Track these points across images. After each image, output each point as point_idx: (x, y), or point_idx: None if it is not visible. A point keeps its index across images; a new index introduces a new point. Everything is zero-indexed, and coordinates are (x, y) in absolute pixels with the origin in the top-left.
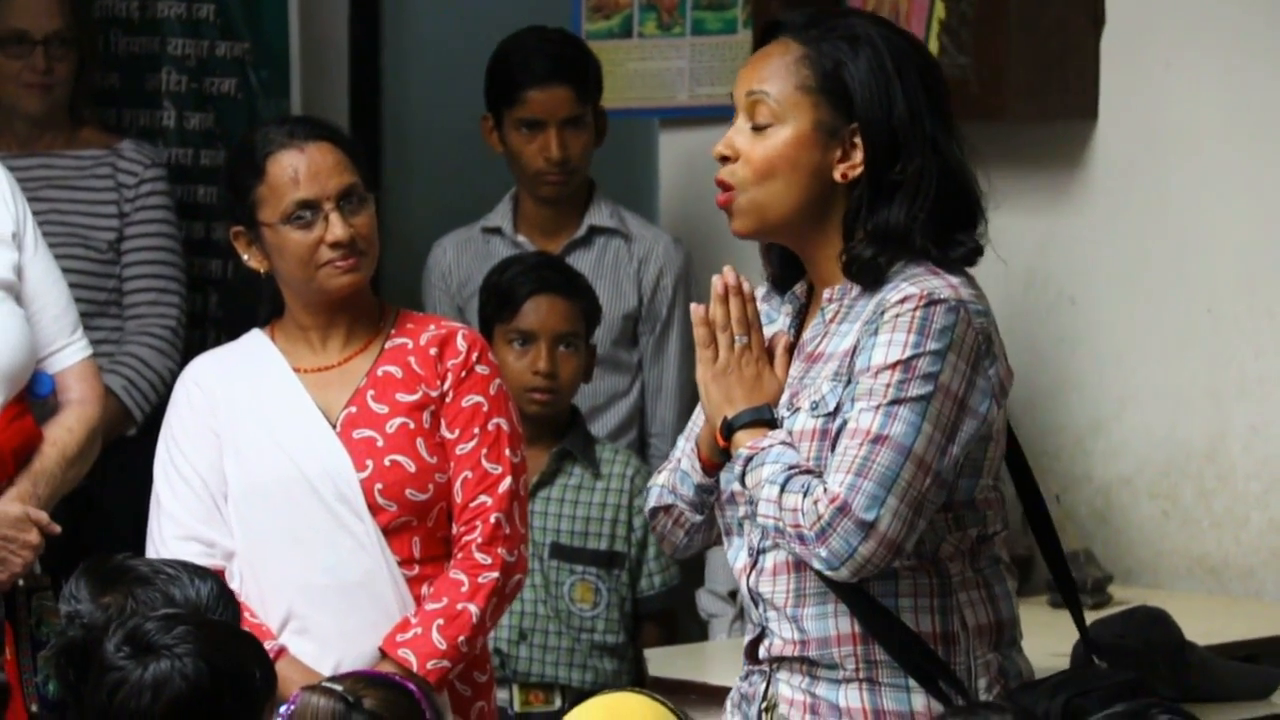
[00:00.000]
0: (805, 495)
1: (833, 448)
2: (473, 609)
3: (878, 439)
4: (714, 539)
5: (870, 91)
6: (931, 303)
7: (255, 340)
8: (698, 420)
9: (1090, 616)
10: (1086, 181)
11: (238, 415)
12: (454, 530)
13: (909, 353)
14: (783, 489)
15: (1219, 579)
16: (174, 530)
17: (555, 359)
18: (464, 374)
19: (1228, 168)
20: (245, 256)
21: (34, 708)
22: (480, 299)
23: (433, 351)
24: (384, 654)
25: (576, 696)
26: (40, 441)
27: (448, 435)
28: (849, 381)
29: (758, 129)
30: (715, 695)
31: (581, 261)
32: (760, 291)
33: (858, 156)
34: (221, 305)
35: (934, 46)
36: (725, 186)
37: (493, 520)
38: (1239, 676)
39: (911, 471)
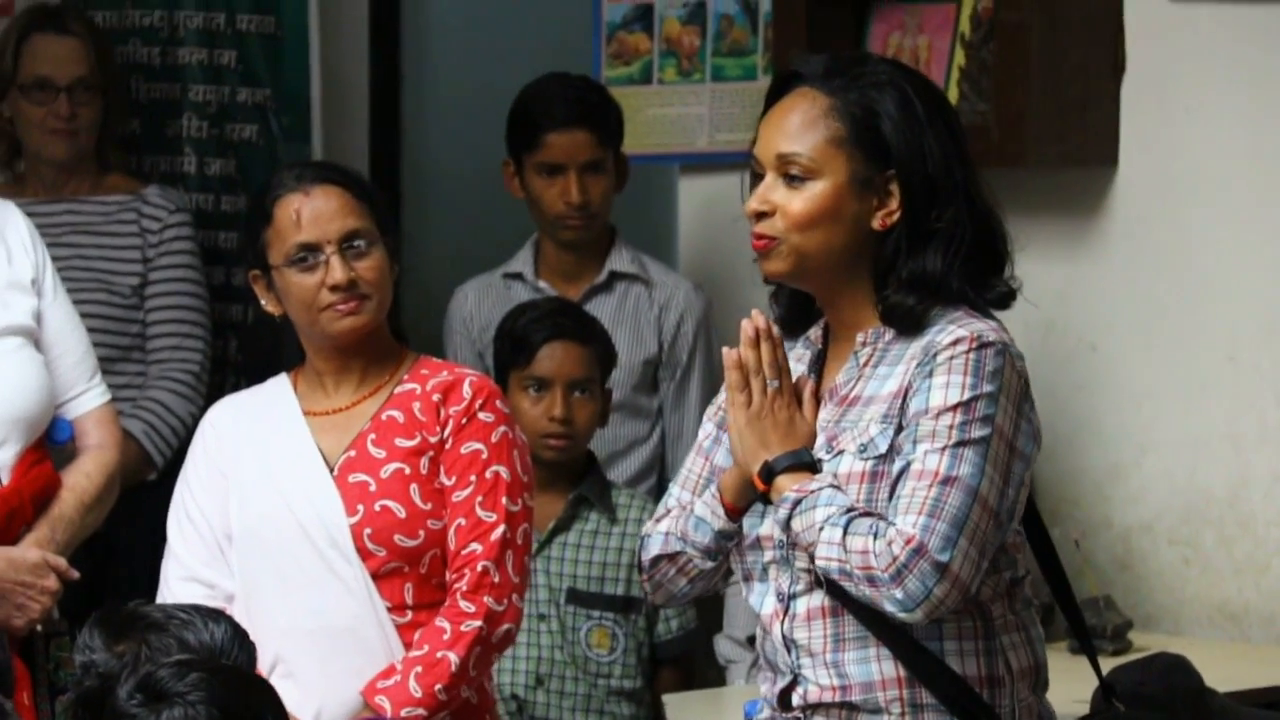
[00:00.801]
0: (875, 537)
1: (891, 490)
2: (453, 657)
3: (947, 480)
4: (710, 588)
5: (905, 139)
6: (983, 345)
7: (278, 384)
8: (693, 468)
9: (1111, 663)
10: (1107, 228)
11: (245, 457)
12: (448, 578)
13: (967, 395)
14: (845, 531)
15: (1240, 626)
16: (177, 571)
17: (570, 405)
18: (465, 420)
19: (1249, 214)
20: (263, 301)
21: None
22: (495, 345)
23: (436, 398)
24: (364, 700)
25: None
26: (59, 487)
27: (445, 482)
28: (899, 424)
29: (792, 182)
30: None
31: (602, 307)
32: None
33: (893, 204)
34: (241, 350)
35: (954, 93)
36: (763, 237)
37: (479, 568)
38: None
39: (978, 513)
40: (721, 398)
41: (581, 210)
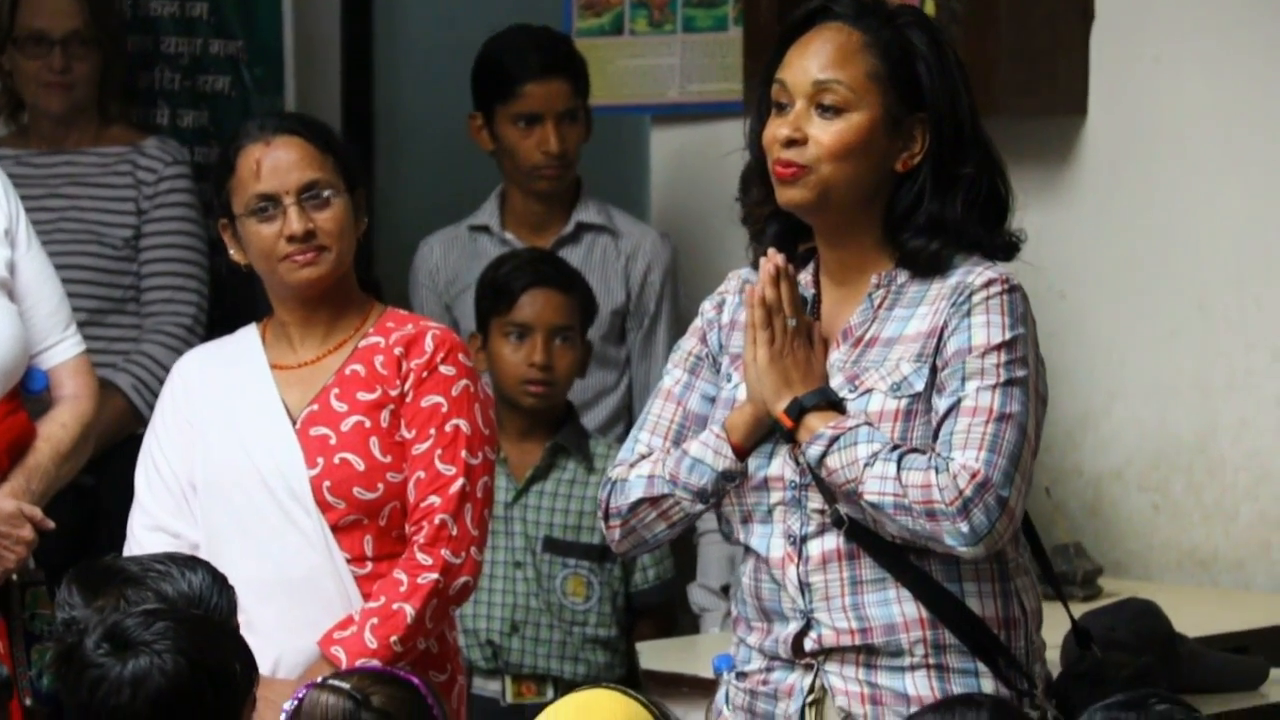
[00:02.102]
0: (937, 472)
1: (933, 426)
2: (408, 609)
3: (1002, 417)
4: (675, 536)
5: (938, 83)
6: (1013, 288)
7: (247, 336)
8: (664, 414)
9: (1081, 608)
10: (1076, 176)
11: (210, 408)
12: (407, 530)
13: (1009, 334)
14: (900, 465)
15: (1208, 571)
16: (144, 520)
17: (551, 351)
18: (425, 374)
19: (1216, 162)
20: (230, 250)
21: (28, 701)
22: (477, 293)
23: (398, 351)
24: (320, 651)
25: (568, 688)
26: (34, 437)
27: (406, 435)
28: (934, 363)
29: (826, 113)
30: (707, 688)
31: (570, 258)
32: (737, 281)
33: (916, 146)
34: (214, 302)
35: None
36: (792, 165)
37: (437, 521)
38: (1228, 667)
39: (1026, 451)
40: (686, 345)
41: (559, 160)
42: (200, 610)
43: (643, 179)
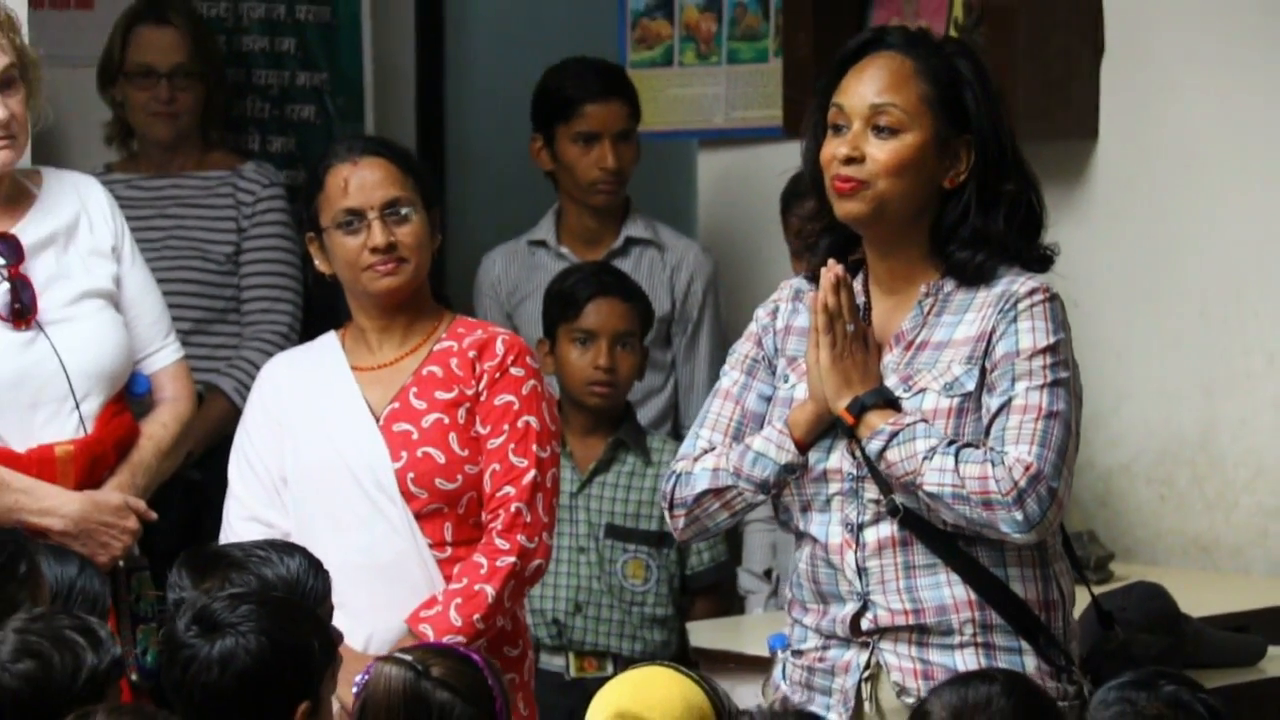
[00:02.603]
0: (994, 465)
1: (984, 423)
2: (489, 590)
3: (1050, 415)
4: (735, 523)
5: (983, 107)
6: (1054, 297)
7: (327, 341)
8: (723, 412)
9: (1094, 591)
10: (1088, 195)
11: (298, 408)
12: (484, 517)
13: (1052, 339)
14: (958, 459)
15: (1210, 557)
16: (239, 511)
17: (614, 356)
18: (498, 375)
19: (1219, 183)
20: (316, 262)
21: (134, 677)
22: (545, 302)
23: (471, 354)
24: (409, 628)
25: (627, 665)
26: (138, 436)
27: (481, 430)
28: (983, 365)
29: (882, 134)
30: (752, 664)
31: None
32: (789, 290)
33: (962, 165)
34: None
35: None
36: (851, 180)
37: (513, 509)
38: (1229, 645)
39: (1071, 446)
40: (742, 349)
41: (615, 176)
42: (297, 592)
43: (691, 198)
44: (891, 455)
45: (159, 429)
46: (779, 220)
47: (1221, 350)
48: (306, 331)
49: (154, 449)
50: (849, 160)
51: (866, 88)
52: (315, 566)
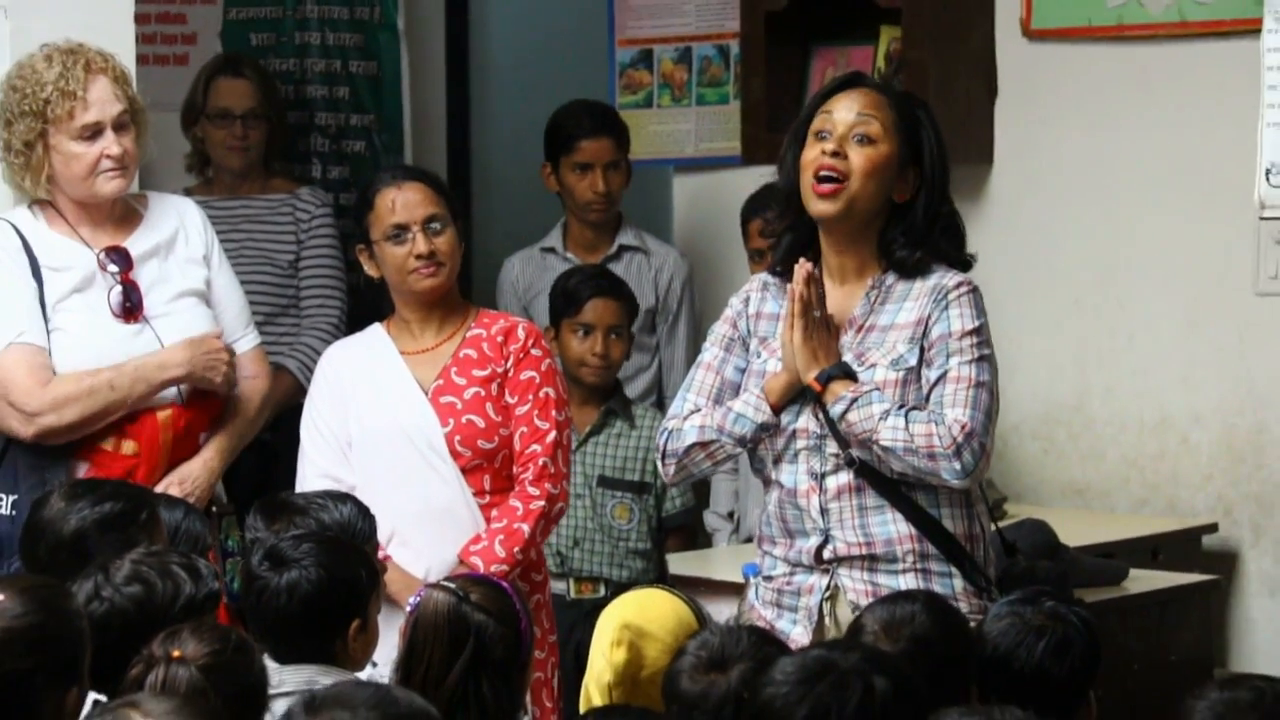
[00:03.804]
0: (936, 424)
1: (924, 391)
2: (525, 528)
3: (979, 384)
4: (716, 471)
5: (932, 147)
6: (975, 289)
7: (374, 331)
8: (705, 380)
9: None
10: (986, 210)
11: (359, 385)
12: (514, 470)
13: (976, 322)
14: (907, 420)
15: (1084, 498)
16: (313, 470)
17: (608, 344)
18: (522, 355)
19: (1091, 200)
20: (365, 268)
21: (225, 600)
22: (551, 298)
23: (499, 339)
24: (460, 560)
25: (617, 588)
26: (221, 406)
27: (510, 400)
28: (922, 344)
29: (862, 142)
30: (719, 587)
31: (614, 271)
32: (758, 282)
33: (906, 186)
34: (355, 306)
35: None
36: (834, 175)
37: (540, 463)
38: (1099, 569)
39: (994, 408)
40: (720, 330)
41: (605, 198)
42: (348, 533)
43: (668, 213)
44: (852, 416)
45: (244, 401)
46: (739, 230)
47: (1092, 332)
48: (357, 323)
49: (242, 415)
50: (835, 154)
51: (853, 104)
52: (364, 512)
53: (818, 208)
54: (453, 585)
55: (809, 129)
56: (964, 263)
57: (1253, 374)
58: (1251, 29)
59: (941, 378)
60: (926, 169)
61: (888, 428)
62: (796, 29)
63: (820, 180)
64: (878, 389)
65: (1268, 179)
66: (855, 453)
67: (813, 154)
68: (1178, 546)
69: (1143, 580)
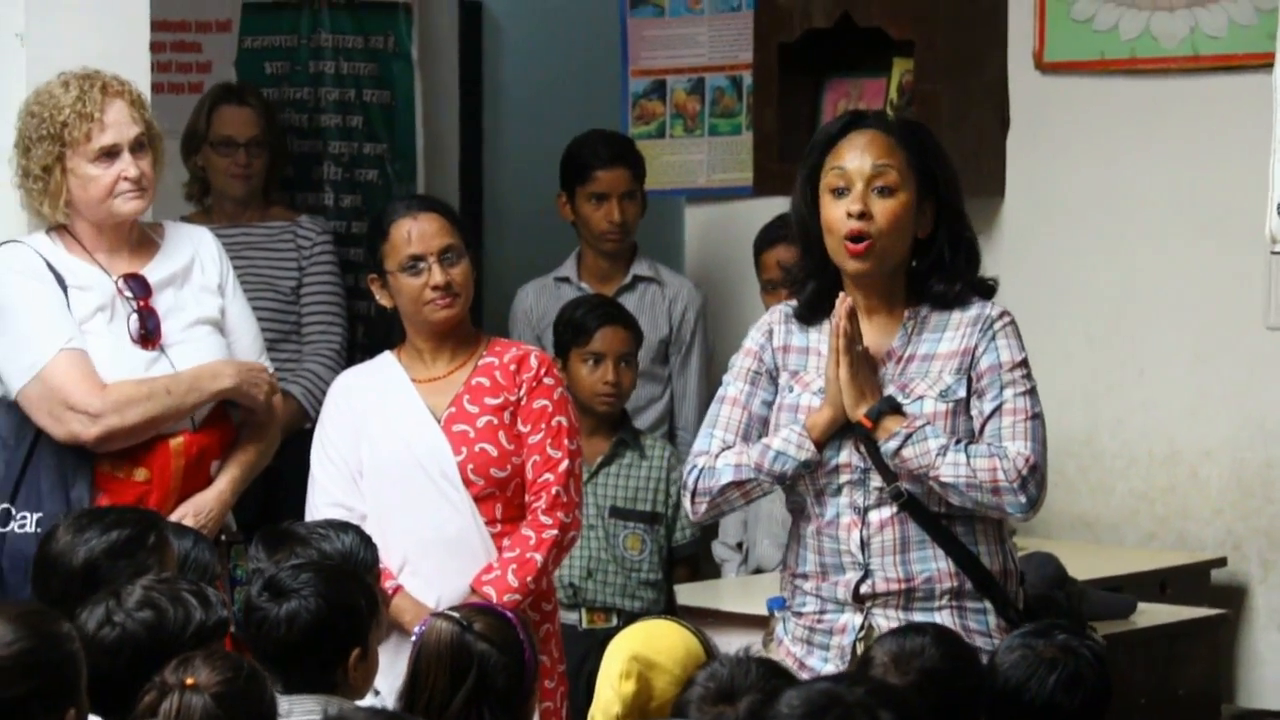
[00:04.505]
0: (1000, 458)
1: (982, 425)
2: (538, 557)
3: (1034, 416)
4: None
5: (946, 176)
6: (1014, 319)
7: (385, 359)
8: (732, 416)
9: None
10: (997, 242)
11: (371, 413)
12: (527, 499)
13: (1023, 354)
14: (968, 455)
15: (1092, 531)
16: (324, 499)
17: (619, 372)
18: (535, 384)
19: (1102, 233)
20: (378, 297)
21: (232, 629)
22: (556, 329)
23: (512, 367)
24: (473, 590)
25: (628, 618)
26: (233, 432)
27: (522, 429)
28: (970, 374)
29: (883, 193)
30: (726, 619)
31: (628, 301)
32: (779, 314)
33: (926, 220)
34: (367, 335)
35: None
36: (862, 237)
37: (553, 492)
38: (1107, 602)
39: (1047, 441)
40: (743, 363)
41: (620, 228)
42: (350, 562)
43: (680, 242)
44: (906, 452)
45: (258, 429)
46: (751, 260)
47: (1102, 364)
48: (368, 350)
49: (255, 445)
50: (861, 215)
51: (865, 154)
52: (366, 541)
53: (852, 266)
54: (456, 615)
55: (821, 177)
56: (990, 289)
57: (1263, 408)
58: (1264, 63)
59: (997, 410)
60: (944, 197)
61: (948, 464)
62: (809, 61)
63: (853, 237)
64: (929, 423)
65: (1279, 213)
66: (904, 486)
67: (836, 214)
68: (1186, 580)
69: (1151, 614)
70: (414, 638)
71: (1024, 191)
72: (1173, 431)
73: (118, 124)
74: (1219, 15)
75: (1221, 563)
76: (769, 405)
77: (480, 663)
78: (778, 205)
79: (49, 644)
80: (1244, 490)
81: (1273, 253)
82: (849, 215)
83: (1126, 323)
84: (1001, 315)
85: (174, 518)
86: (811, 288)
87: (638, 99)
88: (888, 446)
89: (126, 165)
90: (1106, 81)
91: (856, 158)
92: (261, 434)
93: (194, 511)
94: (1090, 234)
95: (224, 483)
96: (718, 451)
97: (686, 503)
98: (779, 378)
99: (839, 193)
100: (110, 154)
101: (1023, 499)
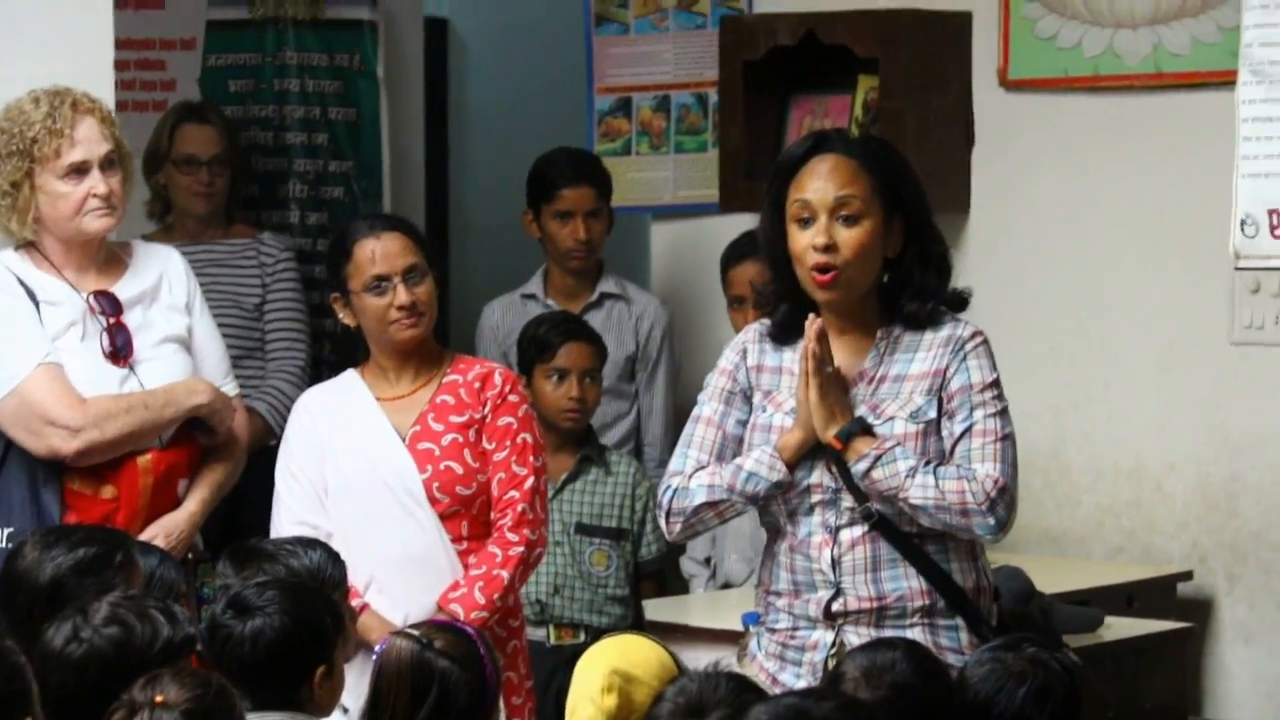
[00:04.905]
0: (968, 480)
1: (953, 446)
2: (504, 574)
3: (1004, 437)
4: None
5: (912, 193)
6: (986, 339)
7: (349, 378)
8: (706, 436)
9: None
10: (962, 257)
11: (335, 431)
12: (492, 516)
13: (994, 374)
14: (936, 476)
15: (1059, 545)
16: (289, 517)
17: (583, 388)
18: (500, 401)
19: (1067, 248)
20: (341, 316)
21: (199, 647)
22: (520, 346)
23: (476, 385)
24: (439, 607)
25: (596, 634)
26: (199, 450)
27: (487, 446)
28: (940, 395)
29: (848, 222)
30: (694, 634)
31: (594, 318)
32: (754, 334)
33: (897, 238)
34: (333, 352)
35: None
36: (829, 268)
37: (519, 509)
38: (1074, 616)
39: (1018, 462)
40: (718, 382)
41: (586, 245)
42: (318, 579)
43: (646, 259)
44: (876, 474)
45: (226, 449)
46: (718, 277)
47: (1067, 379)
48: (334, 368)
49: (223, 465)
50: (826, 248)
51: (828, 183)
52: (333, 557)
53: (821, 296)
54: (416, 633)
55: (786, 205)
56: (962, 302)
57: (1227, 423)
58: (1226, 81)
59: (967, 431)
60: (910, 215)
61: (917, 485)
62: (774, 78)
63: (819, 269)
64: (899, 444)
65: (1242, 229)
66: (874, 507)
67: (802, 244)
68: (1152, 594)
69: (1118, 628)
70: (374, 656)
71: (989, 207)
72: (1138, 446)
73: (88, 141)
74: (1182, 33)
75: (1187, 576)
76: (743, 424)
77: (441, 680)
78: (744, 222)
79: None
80: (1209, 504)
81: (1236, 268)
82: (814, 249)
83: (1092, 338)
84: (974, 336)
85: (144, 538)
86: (784, 309)
87: (603, 116)
88: (857, 468)
89: (96, 182)
90: (1070, 99)
91: (819, 188)
92: (229, 454)
93: (164, 532)
94: (1055, 249)
95: (194, 504)
96: (691, 471)
97: (662, 522)
98: (753, 397)
99: (804, 223)
100: (80, 170)
101: (991, 520)
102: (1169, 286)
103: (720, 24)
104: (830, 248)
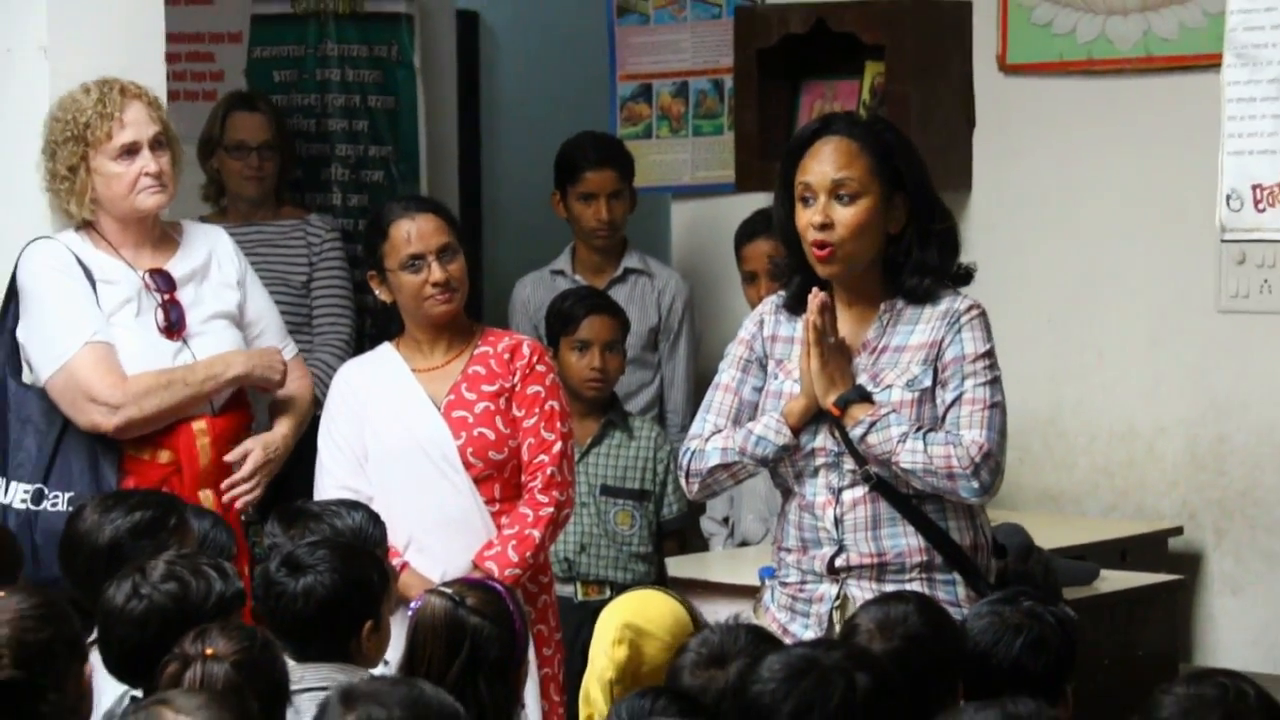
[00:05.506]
0: (954, 445)
1: (940, 412)
2: (535, 534)
3: (993, 405)
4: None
5: (913, 172)
6: (983, 312)
7: (385, 350)
8: (724, 401)
9: None
10: (965, 233)
11: (374, 401)
12: (523, 479)
13: (987, 345)
14: (925, 441)
15: (1056, 503)
16: (331, 482)
17: (605, 359)
18: (528, 371)
19: (1063, 224)
20: (377, 293)
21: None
22: (547, 320)
23: (506, 356)
24: (475, 565)
25: (621, 589)
26: (250, 416)
27: (517, 414)
28: (936, 365)
29: (844, 201)
30: (714, 589)
31: (619, 292)
32: (771, 305)
33: (899, 215)
34: (374, 325)
35: None
36: (825, 244)
37: (548, 473)
38: (1071, 570)
39: (1006, 427)
40: (736, 351)
41: (609, 225)
42: (360, 538)
43: (666, 236)
44: (871, 439)
45: (298, 397)
46: (733, 253)
47: (1064, 348)
48: (373, 340)
49: (297, 409)
50: (822, 226)
51: (827, 166)
52: (374, 519)
53: (820, 271)
54: (449, 591)
55: (795, 181)
56: (967, 275)
57: (1214, 387)
58: (1213, 63)
59: (957, 399)
60: (911, 193)
61: (907, 450)
62: (786, 64)
63: (818, 245)
64: (894, 411)
65: (1228, 204)
66: (873, 470)
67: (803, 222)
68: (1145, 549)
69: (1112, 580)
70: (409, 613)
71: (989, 185)
72: (1131, 410)
73: (136, 123)
74: (1170, 19)
75: (1178, 532)
76: (759, 391)
77: (473, 635)
78: (758, 201)
79: (52, 600)
80: (1198, 464)
81: (1222, 240)
82: (813, 226)
83: (1086, 308)
84: (970, 309)
85: (239, 451)
86: (797, 280)
87: (625, 102)
88: (854, 433)
89: (147, 161)
90: (1065, 82)
91: (819, 169)
92: (298, 403)
93: (263, 445)
94: (1052, 225)
95: (285, 426)
96: (708, 435)
97: (682, 482)
98: (768, 365)
99: (806, 202)
100: (131, 151)
101: (975, 484)
102: (1159, 259)
103: (735, 14)
104: (827, 225)
